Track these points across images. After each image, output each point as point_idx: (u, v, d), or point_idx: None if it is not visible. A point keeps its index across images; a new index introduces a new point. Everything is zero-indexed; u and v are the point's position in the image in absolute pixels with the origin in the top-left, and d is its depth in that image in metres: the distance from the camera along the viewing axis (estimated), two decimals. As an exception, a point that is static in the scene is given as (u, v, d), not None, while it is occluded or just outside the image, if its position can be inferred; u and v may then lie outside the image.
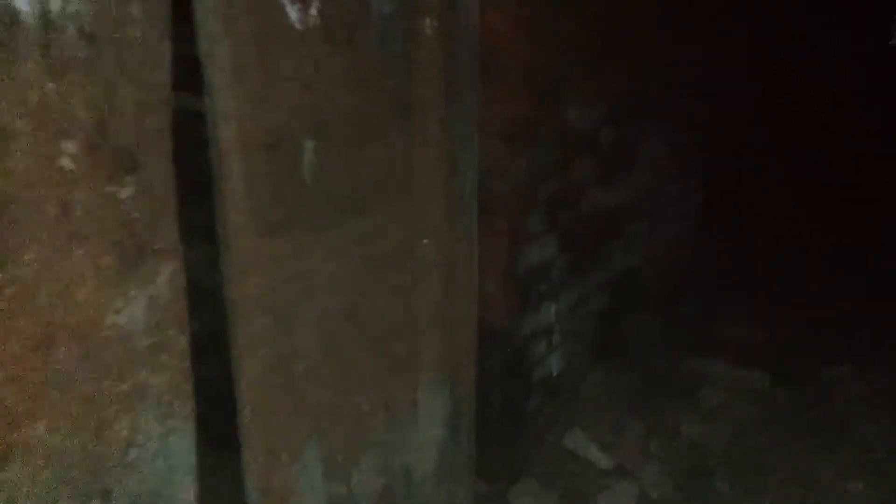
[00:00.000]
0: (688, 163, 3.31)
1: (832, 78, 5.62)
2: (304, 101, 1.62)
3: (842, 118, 5.87)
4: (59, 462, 1.22)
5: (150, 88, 1.27)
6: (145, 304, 1.33)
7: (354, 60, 1.74)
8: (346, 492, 1.86)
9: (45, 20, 1.10)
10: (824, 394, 2.96)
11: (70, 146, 1.15)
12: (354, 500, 1.88)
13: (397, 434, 1.98)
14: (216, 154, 1.46)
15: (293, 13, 1.58)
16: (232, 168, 1.47)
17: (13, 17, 1.06)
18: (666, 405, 2.79)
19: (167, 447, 1.41)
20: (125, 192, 1.25)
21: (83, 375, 1.23)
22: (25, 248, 1.11)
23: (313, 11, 1.63)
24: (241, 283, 1.52)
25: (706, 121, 3.38)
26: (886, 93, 6.67)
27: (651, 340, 3.22)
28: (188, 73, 1.49)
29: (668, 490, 2.41)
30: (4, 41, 1.05)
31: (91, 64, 1.17)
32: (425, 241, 1.99)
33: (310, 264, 1.66)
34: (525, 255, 2.23)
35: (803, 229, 4.85)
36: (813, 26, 4.95)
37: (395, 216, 1.89)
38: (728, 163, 3.81)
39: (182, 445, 1.43)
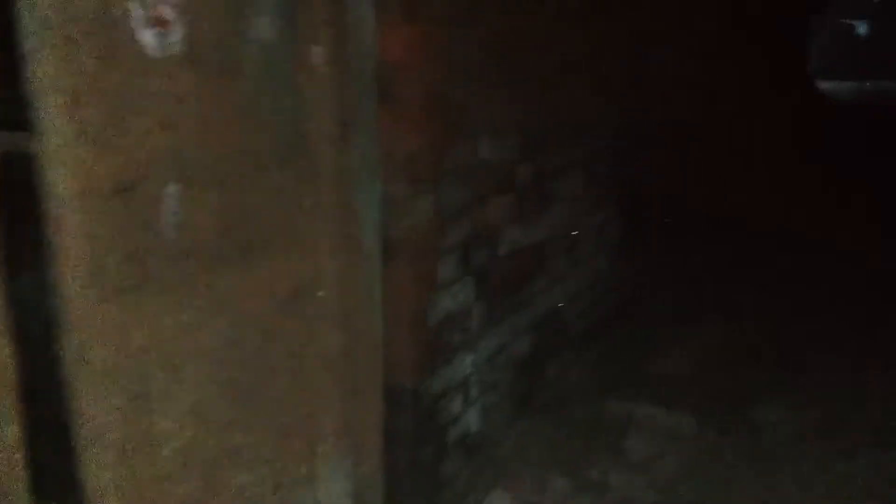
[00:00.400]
0: (605, 192, 3.20)
1: (753, 104, 5.69)
2: (164, 139, 1.37)
3: (763, 142, 5.95)
4: None
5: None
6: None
7: (229, 92, 1.51)
8: None
9: None
10: (753, 435, 2.85)
11: None
12: None
13: (290, 519, 1.73)
14: (48, 204, 1.21)
15: (149, 38, 1.34)
16: (69, 220, 1.22)
17: None
18: (593, 457, 2.61)
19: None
20: None
21: None
22: None
23: (176, 37, 1.39)
24: (82, 357, 1.26)
25: (623, 149, 3.28)
26: (805, 119, 6.80)
27: (576, 384, 3.06)
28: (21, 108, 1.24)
29: (598, 552, 2.24)
30: None
31: None
32: (320, 293, 1.76)
33: (173, 330, 1.41)
34: (437, 303, 2.03)
35: (729, 254, 4.83)
36: (734, 52, 4.98)
37: (283, 267, 1.66)
38: (648, 190, 3.72)
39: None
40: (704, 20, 4.38)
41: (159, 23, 1.36)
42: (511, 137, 2.33)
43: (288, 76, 1.62)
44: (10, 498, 1.26)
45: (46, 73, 1.16)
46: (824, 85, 15.73)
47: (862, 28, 20.30)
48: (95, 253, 1.24)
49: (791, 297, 4.33)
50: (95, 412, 1.29)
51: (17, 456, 1.27)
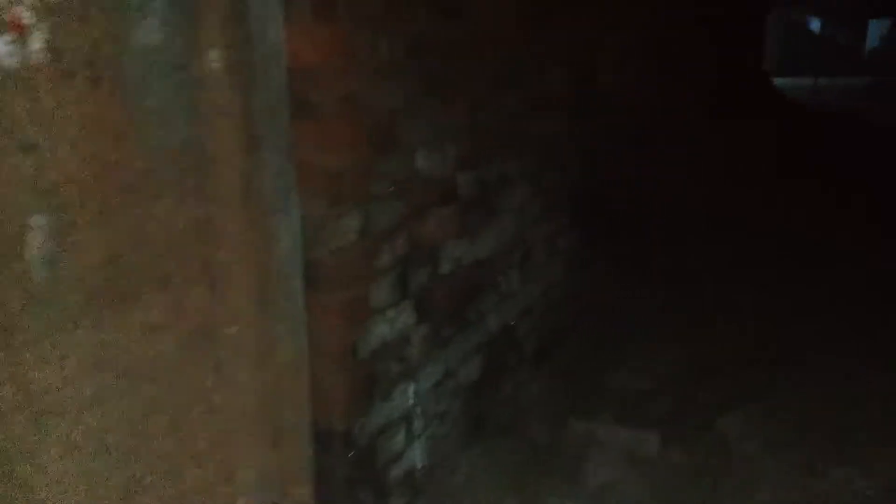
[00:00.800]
0: (559, 202, 3.04)
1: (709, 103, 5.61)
2: (26, 163, 1.17)
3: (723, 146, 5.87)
4: None
5: None
6: None
7: (107, 107, 1.31)
8: None
9: None
10: (719, 453, 2.72)
11: None
12: None
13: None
14: None
15: (1, 47, 1.14)
16: None
17: None
18: (551, 484, 2.45)
19: None
20: None
21: None
22: None
23: (37, 44, 1.19)
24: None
25: (574, 154, 3.14)
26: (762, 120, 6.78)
27: (533, 404, 2.90)
28: None
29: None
30: None
31: None
32: (231, 329, 1.57)
33: (43, 386, 1.21)
34: (371, 332, 1.84)
35: (694, 258, 4.72)
36: (690, 51, 4.88)
37: (184, 303, 1.46)
38: (607, 196, 3.59)
39: None
40: (656, 23, 4.27)
41: (14, 28, 1.16)
42: (451, 148, 2.16)
43: (182, 86, 1.42)
44: None
45: None
46: (781, 81, 15.92)
47: (815, 24, 20.58)
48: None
49: (762, 303, 4.23)
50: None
51: None
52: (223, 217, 1.53)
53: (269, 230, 1.60)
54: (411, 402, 2.05)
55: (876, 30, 18.73)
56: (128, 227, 1.35)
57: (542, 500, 2.38)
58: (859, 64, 18.42)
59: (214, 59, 1.45)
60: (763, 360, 3.48)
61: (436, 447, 2.19)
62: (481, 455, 2.48)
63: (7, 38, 1.15)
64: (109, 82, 1.30)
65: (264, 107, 1.55)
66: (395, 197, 1.89)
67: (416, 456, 2.09)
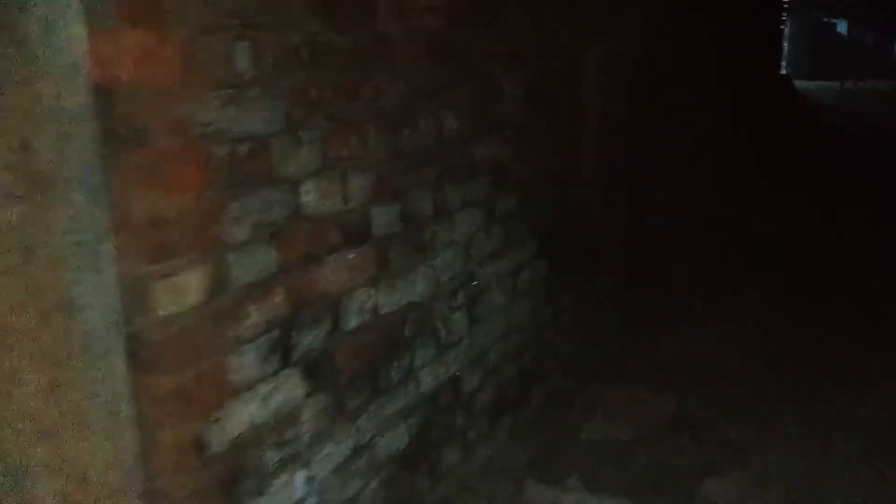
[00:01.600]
0: (518, 229, 2.64)
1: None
2: None
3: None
4: None
5: None
6: None
7: None
8: None
9: None
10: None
11: None
12: None
13: None
14: None
15: None
16: None
17: None
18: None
19: None
20: None
21: None
22: None
23: None
24: None
25: (538, 176, 2.73)
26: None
27: (484, 469, 2.49)
28: None
29: None
30: None
31: None
32: (23, 425, 1.20)
33: None
34: (231, 417, 1.45)
35: (664, 290, 4.29)
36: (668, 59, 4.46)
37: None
38: (582, 223, 3.18)
39: None
40: (646, 28, 3.85)
41: None
42: (357, 178, 1.77)
43: None
44: None
45: None
46: (805, 84, 15.32)
47: (843, 27, 19.95)
48: None
49: (733, 342, 3.80)
50: None
51: None
52: (12, 281, 1.17)
53: (77, 296, 1.23)
54: (300, 493, 1.66)
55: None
56: None
57: None
58: (887, 67, 17.78)
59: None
60: (742, 417, 3.03)
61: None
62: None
63: None
64: None
65: (56, 134, 1.18)
66: (266, 242, 1.50)
67: (310, 559, 1.70)
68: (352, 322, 1.81)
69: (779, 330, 4.02)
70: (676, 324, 3.92)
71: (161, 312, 1.29)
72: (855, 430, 2.97)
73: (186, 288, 1.33)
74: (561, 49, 2.82)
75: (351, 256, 1.78)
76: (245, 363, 1.48)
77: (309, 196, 1.62)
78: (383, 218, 1.89)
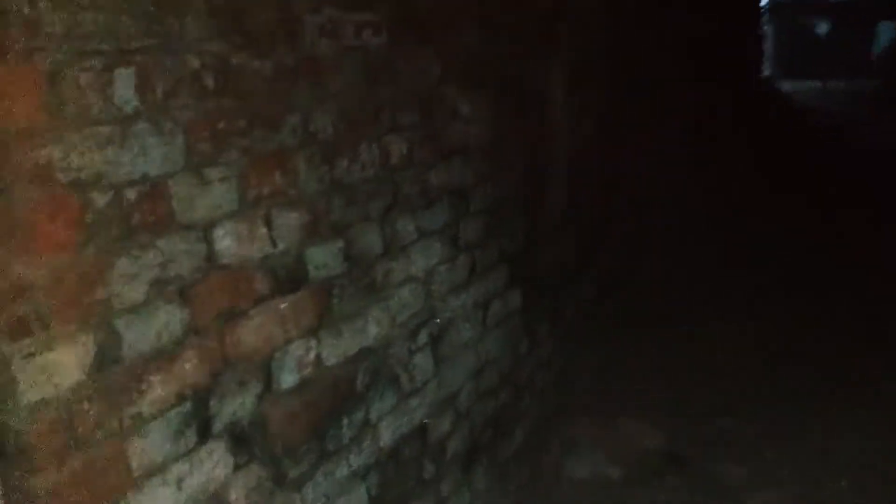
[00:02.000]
0: (487, 257, 2.44)
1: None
2: None
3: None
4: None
5: None
6: None
7: None
8: None
9: None
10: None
11: None
12: None
13: None
14: None
15: None
16: None
17: None
18: None
19: None
20: None
21: None
22: None
23: None
24: None
25: (507, 199, 2.54)
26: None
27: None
28: None
29: None
30: None
31: None
32: None
33: None
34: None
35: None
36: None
37: None
38: (547, 241, 2.98)
39: None
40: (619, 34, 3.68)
41: None
42: (286, 216, 1.56)
43: None
44: None
45: None
46: (785, 85, 15.27)
47: (824, 27, 19.94)
48: None
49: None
50: None
51: None
52: None
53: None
54: (233, 586, 1.44)
55: (885, 32, 18.07)
56: None
57: None
58: (868, 66, 17.78)
59: None
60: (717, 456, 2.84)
61: None
62: None
63: None
64: None
65: None
66: (168, 302, 1.29)
67: None
68: (288, 380, 1.59)
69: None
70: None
71: (29, 398, 1.08)
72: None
73: (62, 366, 1.11)
74: (521, 67, 2.63)
75: (283, 306, 1.57)
76: (151, 444, 1.27)
77: (225, 242, 1.41)
78: (321, 259, 1.68)
